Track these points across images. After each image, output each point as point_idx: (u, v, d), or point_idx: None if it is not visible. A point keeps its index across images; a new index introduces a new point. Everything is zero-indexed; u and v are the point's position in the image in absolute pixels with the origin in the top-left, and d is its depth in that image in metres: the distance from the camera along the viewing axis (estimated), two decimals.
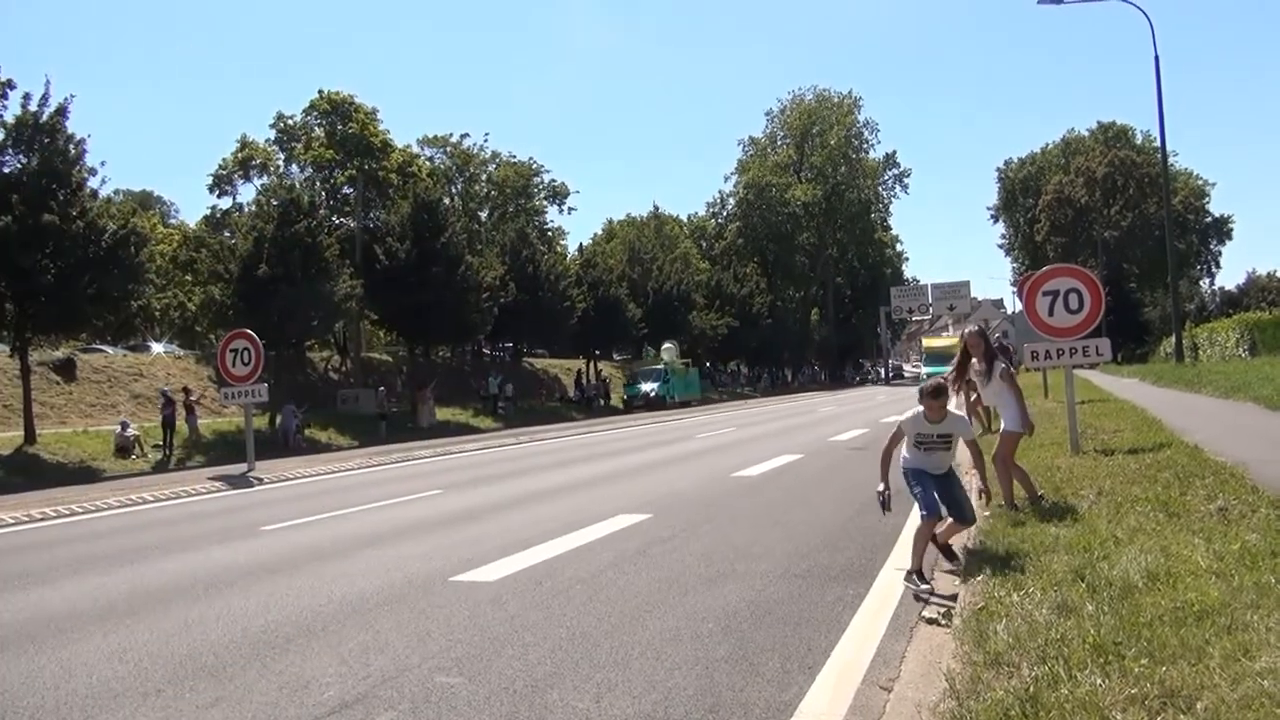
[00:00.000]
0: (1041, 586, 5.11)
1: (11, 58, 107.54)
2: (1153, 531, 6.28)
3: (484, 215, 70.14)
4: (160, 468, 23.22)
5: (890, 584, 6.25)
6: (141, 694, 4.64)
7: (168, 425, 24.77)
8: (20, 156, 22.80)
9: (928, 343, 70.81)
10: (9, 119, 22.62)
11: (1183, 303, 65.94)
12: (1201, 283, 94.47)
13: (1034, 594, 4.98)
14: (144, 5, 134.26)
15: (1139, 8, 33.27)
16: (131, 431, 24.26)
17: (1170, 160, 48.78)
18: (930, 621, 5.19)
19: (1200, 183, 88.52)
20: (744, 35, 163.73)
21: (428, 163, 62.39)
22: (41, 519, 12.53)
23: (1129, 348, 68.63)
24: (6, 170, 22.63)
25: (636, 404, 48.37)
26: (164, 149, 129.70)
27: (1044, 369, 19.65)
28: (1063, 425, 12.88)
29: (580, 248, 64.02)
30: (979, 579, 5.68)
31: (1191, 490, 7.79)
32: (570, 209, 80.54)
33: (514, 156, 72.40)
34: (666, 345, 53.63)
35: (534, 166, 72.83)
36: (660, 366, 52.38)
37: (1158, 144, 37.93)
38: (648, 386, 49.98)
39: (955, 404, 7.35)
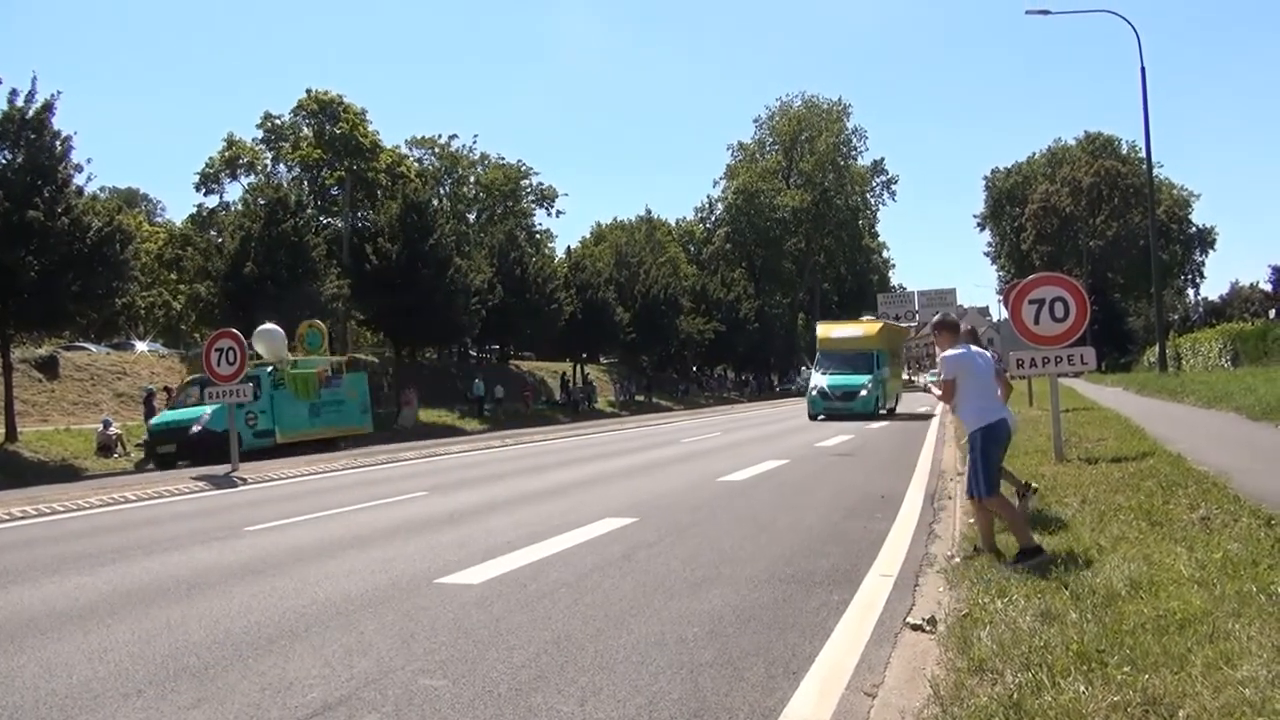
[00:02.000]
0: (1025, 594, 5.14)
1: None
2: (1136, 540, 6.32)
3: (472, 217, 70.08)
4: (143, 466, 23.06)
5: (875, 589, 6.26)
6: (122, 694, 4.60)
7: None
8: (5, 152, 22.71)
9: (824, 332, 35.19)
10: None
11: (1166, 312, 66.50)
12: (1185, 293, 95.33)
13: (1018, 601, 5.01)
14: (132, 2, 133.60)
15: (1126, 20, 33.58)
16: (114, 430, 24.11)
17: (1156, 171, 49.16)
18: (915, 628, 5.20)
19: (1185, 193, 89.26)
20: (734, 41, 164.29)
21: (416, 164, 62.33)
22: (22, 517, 12.42)
23: (1113, 357, 69.15)
24: None
25: (162, 452, 23.49)
26: (151, 147, 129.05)
27: (1029, 377, 19.75)
28: (1047, 433, 12.95)
29: (568, 251, 64.10)
30: (963, 585, 5.71)
31: (1174, 499, 7.84)
32: (558, 212, 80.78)
33: (503, 159, 72.44)
34: (266, 326, 26.04)
35: (522, 169, 72.86)
36: (258, 372, 24.55)
37: (1143, 154, 38.17)
38: (199, 415, 23.61)
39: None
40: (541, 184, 74.20)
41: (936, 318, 7.04)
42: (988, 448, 6.53)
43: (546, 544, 8.36)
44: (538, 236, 72.59)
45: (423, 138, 69.05)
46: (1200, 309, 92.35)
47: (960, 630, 4.69)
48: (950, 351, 6.68)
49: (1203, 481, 8.70)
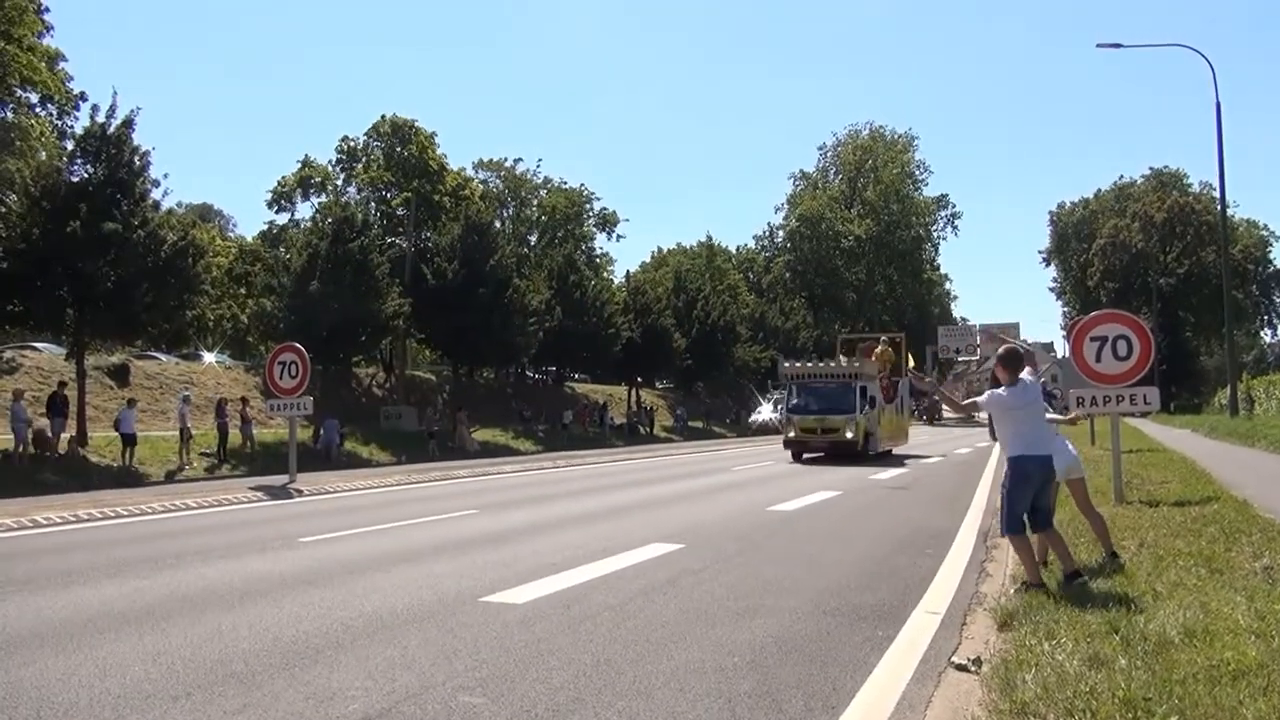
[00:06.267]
0: (1074, 637, 5.03)
1: (83, 70, 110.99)
2: (1193, 587, 6.15)
3: (533, 240, 70.85)
4: (211, 473, 23.60)
5: (921, 627, 6.17)
6: (172, 696, 4.72)
7: (222, 433, 25.25)
8: (87, 166, 23.57)
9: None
10: (79, 130, 23.45)
11: (1240, 354, 64.55)
12: (1261, 334, 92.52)
13: (1066, 644, 4.90)
14: (224, 34, 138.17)
15: (1200, 53, 32.93)
16: (187, 410, 24.41)
17: (1230, 209, 47.89)
18: (959, 668, 5.11)
19: (1263, 233, 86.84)
20: (799, 71, 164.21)
21: (481, 186, 63.26)
22: (88, 519, 12.80)
23: (1184, 397, 67.27)
24: (74, 179, 23.40)
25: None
26: (227, 164, 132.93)
27: (1090, 415, 19.31)
28: (1107, 474, 12.65)
29: (628, 275, 64.45)
30: (1012, 626, 5.60)
31: (1237, 546, 7.63)
32: (619, 237, 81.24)
33: (565, 183, 73.25)
34: None
35: (585, 194, 73.57)
36: None
37: (1215, 191, 37.27)
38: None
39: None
40: (604, 209, 74.90)
41: (1002, 350, 7.06)
42: (1013, 482, 6.69)
43: (592, 567, 8.39)
44: (598, 260, 73.08)
45: (489, 160, 70.16)
46: (1276, 351, 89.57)
47: (1005, 671, 4.60)
48: (994, 392, 6.91)
49: (1268, 530, 8.44)
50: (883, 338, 32.61)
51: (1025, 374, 6.93)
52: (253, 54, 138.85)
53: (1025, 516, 6.70)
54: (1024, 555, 6.70)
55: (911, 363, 35.84)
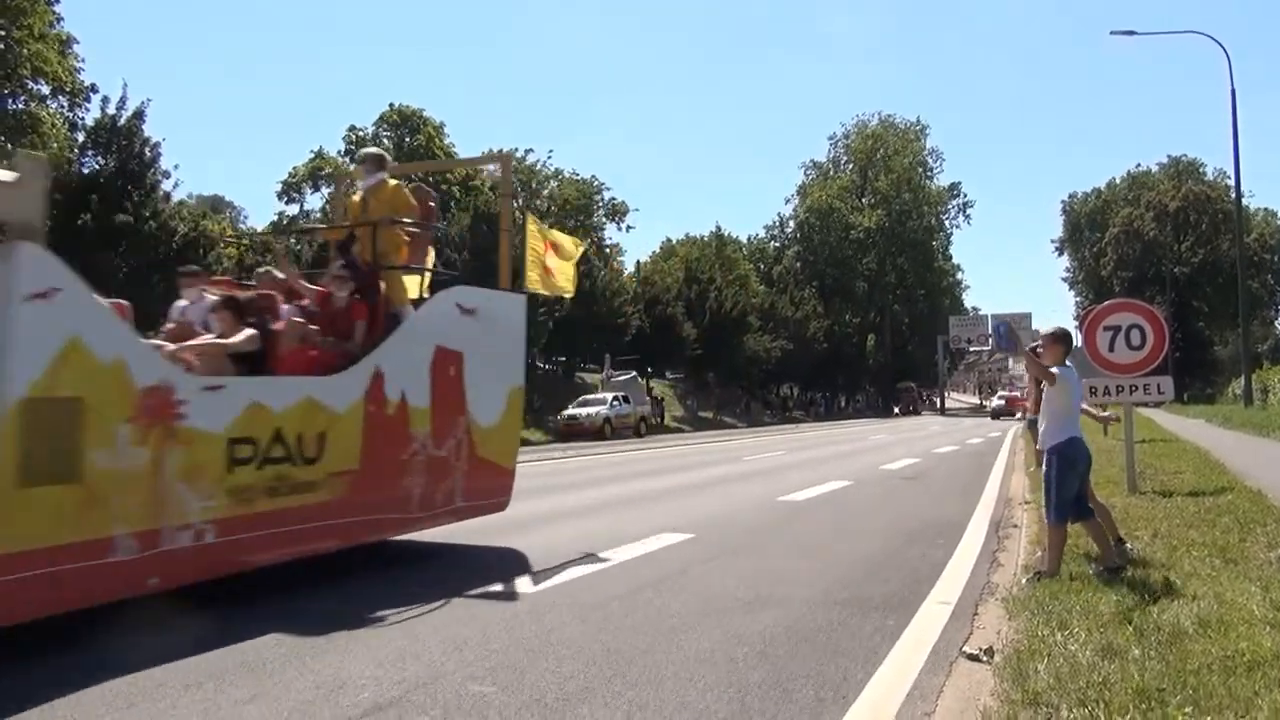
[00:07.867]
0: (1087, 627, 5.00)
1: (92, 62, 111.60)
2: (1208, 577, 6.12)
3: None
4: None
5: (932, 617, 6.14)
6: (184, 685, 4.74)
7: None
8: (98, 158, 23.66)
9: None
10: (89, 121, 23.54)
11: (1255, 344, 64.16)
12: (1276, 323, 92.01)
13: (1079, 634, 4.87)
14: (232, 28, 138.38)
15: (1216, 40, 32.67)
16: None
17: (1246, 198, 47.54)
18: (971, 658, 5.09)
19: (1279, 222, 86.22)
20: (808, 59, 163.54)
21: (489, 177, 63.23)
22: None
23: (1197, 387, 66.94)
24: (86, 171, 23.48)
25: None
26: (237, 154, 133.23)
27: (1103, 404, 19.18)
28: (1120, 464, 12.59)
29: (638, 265, 64.38)
30: (1023, 616, 5.58)
31: (1252, 537, 7.58)
32: (629, 227, 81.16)
33: (576, 174, 73.22)
34: None
35: (595, 184, 73.52)
36: None
37: (1229, 181, 37.00)
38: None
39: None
40: (613, 199, 74.88)
41: (1055, 329, 7.10)
42: (1063, 468, 6.58)
43: (602, 556, 8.38)
44: (607, 251, 73.06)
45: (498, 151, 70.08)
46: None
47: (1017, 661, 4.58)
48: (1066, 366, 6.80)
49: None
50: (370, 151, 9.51)
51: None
52: (261, 48, 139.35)
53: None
54: (1058, 547, 6.64)
55: (540, 238, 10.35)
